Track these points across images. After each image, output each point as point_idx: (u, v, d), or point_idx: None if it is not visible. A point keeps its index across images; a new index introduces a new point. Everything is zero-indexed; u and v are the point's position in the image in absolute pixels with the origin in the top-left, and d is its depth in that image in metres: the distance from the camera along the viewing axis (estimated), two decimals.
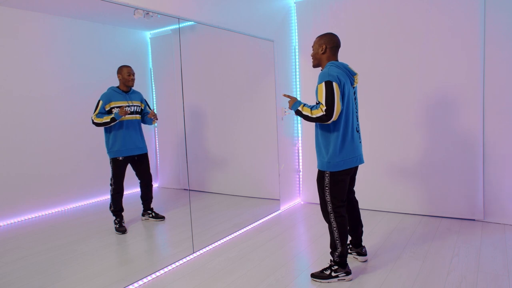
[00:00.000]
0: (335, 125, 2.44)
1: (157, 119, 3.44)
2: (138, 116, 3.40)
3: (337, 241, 2.54)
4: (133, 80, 3.30)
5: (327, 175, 2.51)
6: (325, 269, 2.60)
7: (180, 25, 3.17)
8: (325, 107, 2.32)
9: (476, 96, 3.55)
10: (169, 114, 3.73)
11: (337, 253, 2.56)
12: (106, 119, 3.12)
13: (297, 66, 4.55)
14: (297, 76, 4.57)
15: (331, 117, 2.33)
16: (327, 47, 2.52)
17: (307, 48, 4.41)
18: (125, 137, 3.30)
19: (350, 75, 2.48)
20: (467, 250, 3.00)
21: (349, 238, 2.96)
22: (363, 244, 2.93)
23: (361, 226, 2.87)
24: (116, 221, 3.26)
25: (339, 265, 2.57)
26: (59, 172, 2.92)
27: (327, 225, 3.71)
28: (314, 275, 2.61)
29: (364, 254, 2.88)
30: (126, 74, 3.26)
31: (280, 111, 4.35)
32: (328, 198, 2.54)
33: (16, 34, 2.59)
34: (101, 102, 3.14)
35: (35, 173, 2.75)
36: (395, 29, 3.87)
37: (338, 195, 2.53)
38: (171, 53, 3.49)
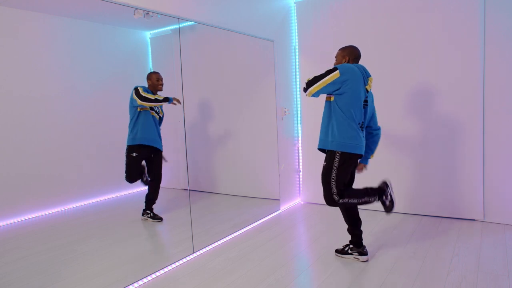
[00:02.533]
0: (348, 113, 2.62)
1: (179, 102, 3.53)
2: (158, 116, 3.56)
3: (364, 199, 2.72)
4: (162, 85, 3.42)
5: (338, 154, 2.65)
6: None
7: (180, 25, 3.17)
8: (310, 79, 2.62)
9: (476, 96, 3.55)
10: (169, 114, 3.73)
11: (372, 199, 2.73)
12: (159, 97, 3.30)
13: (297, 66, 4.55)
14: (297, 76, 4.57)
15: (306, 90, 2.64)
16: (349, 59, 2.75)
17: (307, 48, 4.41)
18: (148, 127, 3.42)
19: (366, 76, 2.67)
20: (467, 250, 3.00)
21: (350, 238, 2.97)
22: (363, 243, 2.93)
23: (360, 221, 2.91)
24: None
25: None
26: (59, 172, 2.92)
27: (326, 225, 3.72)
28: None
29: (365, 254, 2.88)
30: (155, 79, 3.39)
31: (280, 111, 4.35)
32: (333, 184, 2.68)
33: (16, 34, 2.59)
34: (141, 88, 3.26)
35: (35, 173, 2.75)
36: (395, 29, 3.87)
37: (341, 179, 2.68)
38: (171, 53, 3.49)
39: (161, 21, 3.24)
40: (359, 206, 2.81)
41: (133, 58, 3.52)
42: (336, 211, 4.15)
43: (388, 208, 2.74)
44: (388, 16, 3.89)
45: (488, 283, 2.48)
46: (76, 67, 3.01)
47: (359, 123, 2.67)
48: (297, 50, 4.53)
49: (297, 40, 4.51)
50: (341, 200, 2.70)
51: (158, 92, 3.43)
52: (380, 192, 2.74)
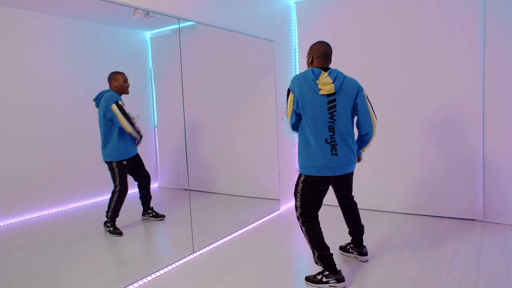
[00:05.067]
0: (303, 131, 2.45)
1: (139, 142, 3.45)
2: None
3: (310, 245, 2.52)
4: (129, 87, 3.21)
5: (301, 179, 2.51)
6: (318, 273, 2.55)
7: (180, 25, 3.17)
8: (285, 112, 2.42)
9: (476, 96, 3.55)
10: (169, 114, 3.73)
11: (315, 258, 2.52)
12: (137, 127, 3.14)
13: (297, 66, 4.55)
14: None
15: (290, 122, 2.51)
16: (313, 58, 2.50)
17: (307, 48, 4.41)
18: (127, 140, 3.28)
19: (313, 83, 2.37)
20: (467, 250, 3.00)
21: (350, 238, 2.97)
22: (364, 244, 2.93)
23: (361, 228, 2.86)
24: (108, 224, 3.17)
25: (329, 271, 2.50)
26: (59, 172, 2.92)
27: (326, 225, 3.72)
28: (307, 278, 2.58)
29: (365, 254, 2.88)
30: (122, 80, 3.15)
31: (280, 111, 4.35)
32: (298, 203, 2.53)
33: (16, 34, 2.59)
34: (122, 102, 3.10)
35: (35, 173, 2.75)
36: (395, 29, 3.87)
37: (306, 203, 2.50)
38: (171, 53, 3.49)
39: (161, 21, 3.24)
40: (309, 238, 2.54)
41: (133, 58, 3.51)
42: (336, 211, 4.16)
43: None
44: (388, 15, 3.89)
45: (488, 283, 2.48)
46: (76, 67, 3.01)
47: (326, 138, 2.41)
48: (297, 50, 4.53)
49: (297, 40, 4.51)
50: (300, 225, 2.54)
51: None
52: (331, 271, 2.50)
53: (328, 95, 2.39)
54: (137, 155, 3.46)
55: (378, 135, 4.03)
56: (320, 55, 2.46)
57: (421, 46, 3.76)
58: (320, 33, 4.28)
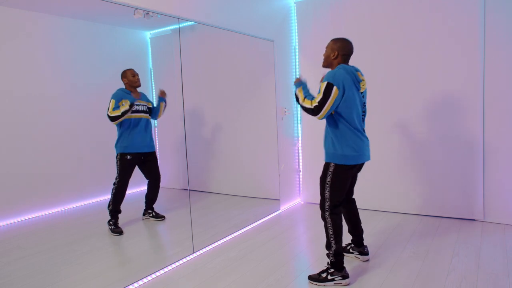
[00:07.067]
0: (342, 123, 2.51)
1: (164, 95, 3.50)
2: (147, 116, 3.43)
3: (331, 239, 2.52)
4: (138, 80, 3.31)
5: (331, 167, 2.53)
6: (322, 271, 2.56)
7: (180, 25, 3.17)
8: (316, 104, 2.43)
9: (476, 96, 3.55)
10: (169, 114, 3.73)
11: (331, 252, 2.53)
12: (124, 107, 3.13)
13: (297, 66, 4.55)
14: (297, 76, 4.57)
15: (317, 114, 2.45)
16: (339, 54, 2.56)
17: (307, 48, 4.41)
18: (133, 134, 3.31)
19: (357, 81, 2.51)
20: (467, 250, 3.00)
21: (351, 237, 2.96)
22: (364, 243, 2.93)
23: (360, 223, 2.89)
24: (111, 222, 3.19)
25: (336, 268, 2.52)
26: (59, 172, 2.92)
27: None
28: (311, 277, 2.59)
29: (366, 253, 2.88)
30: (130, 75, 3.27)
31: (280, 111, 4.35)
32: (327, 195, 2.54)
33: (16, 34, 2.59)
34: (113, 101, 3.15)
35: (35, 173, 2.75)
36: (395, 29, 3.87)
37: (337, 193, 2.54)
38: (171, 53, 3.49)
39: (161, 21, 3.24)
40: (330, 230, 2.56)
41: (133, 58, 3.51)
42: None
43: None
44: (388, 15, 3.89)
45: (488, 283, 2.48)
46: (76, 67, 3.01)
47: (361, 131, 2.58)
48: (297, 50, 4.53)
49: (297, 40, 4.51)
50: (327, 217, 2.55)
51: (137, 89, 3.34)
52: (338, 267, 2.54)
53: (361, 92, 2.59)
54: (151, 155, 3.50)
55: (378, 135, 4.03)
56: (346, 53, 2.57)
57: (421, 47, 3.75)
58: (320, 33, 4.28)
